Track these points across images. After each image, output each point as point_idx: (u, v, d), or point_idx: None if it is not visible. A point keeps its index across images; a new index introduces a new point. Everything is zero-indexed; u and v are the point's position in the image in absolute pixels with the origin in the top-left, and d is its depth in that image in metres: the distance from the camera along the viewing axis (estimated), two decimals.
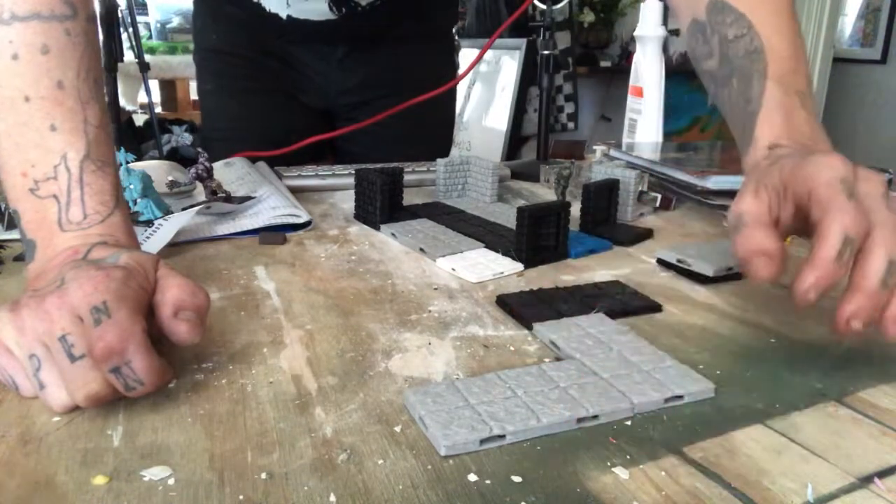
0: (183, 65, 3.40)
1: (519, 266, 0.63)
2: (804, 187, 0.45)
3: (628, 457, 0.36)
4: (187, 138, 3.24)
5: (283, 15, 1.02)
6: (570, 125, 3.58)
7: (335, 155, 1.18)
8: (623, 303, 0.54)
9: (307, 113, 1.14)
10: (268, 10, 1.02)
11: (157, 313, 0.42)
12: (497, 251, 0.66)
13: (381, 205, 0.74)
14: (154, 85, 3.57)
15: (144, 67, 2.88)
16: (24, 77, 0.47)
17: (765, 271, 0.44)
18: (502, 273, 0.61)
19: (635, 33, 1.11)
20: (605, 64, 3.90)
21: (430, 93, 1.03)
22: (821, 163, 0.46)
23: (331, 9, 1.01)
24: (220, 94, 1.15)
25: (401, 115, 1.10)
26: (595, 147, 1.09)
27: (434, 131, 1.23)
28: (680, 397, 0.41)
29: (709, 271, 0.60)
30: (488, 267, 0.62)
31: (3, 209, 0.69)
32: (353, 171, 0.80)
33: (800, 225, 0.47)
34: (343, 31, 1.05)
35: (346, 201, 0.85)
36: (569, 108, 3.59)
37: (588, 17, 3.85)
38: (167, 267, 0.44)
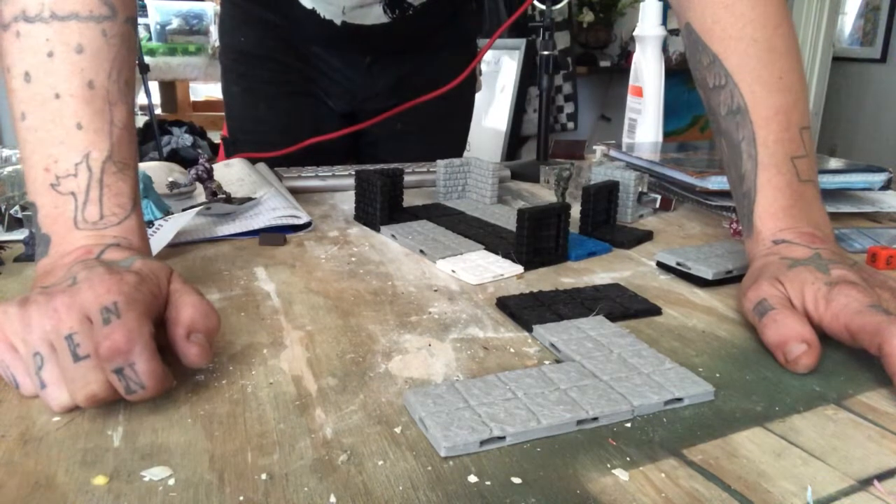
0: (182, 66, 3.39)
1: (519, 268, 0.63)
2: (836, 323, 0.46)
3: (628, 459, 0.36)
4: (187, 139, 3.24)
5: (338, 22, 1.02)
6: (570, 125, 3.59)
7: (358, 160, 1.18)
8: (623, 305, 0.54)
9: (334, 117, 1.15)
10: (322, 16, 1.02)
11: (170, 331, 0.42)
12: (497, 253, 0.66)
13: (381, 206, 0.74)
14: (154, 86, 3.57)
15: (144, 69, 2.88)
16: (57, 75, 0.47)
17: (807, 359, 0.45)
18: (502, 275, 0.61)
19: (635, 33, 1.11)
20: (604, 64, 3.90)
21: (432, 93, 1.04)
22: (841, 294, 0.46)
23: (385, 11, 1.01)
24: (249, 96, 1.15)
25: (424, 120, 1.10)
26: (595, 147, 1.09)
27: (455, 137, 1.24)
28: (679, 400, 0.41)
29: (708, 274, 0.60)
30: (488, 269, 0.62)
31: (2, 210, 0.69)
32: (354, 173, 0.80)
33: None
34: (390, 35, 1.06)
35: (347, 202, 0.85)
36: (568, 108, 3.59)
37: (587, 17, 3.84)
38: (180, 280, 0.44)
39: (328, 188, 0.92)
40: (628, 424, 0.39)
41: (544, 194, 0.94)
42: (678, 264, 0.62)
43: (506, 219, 0.76)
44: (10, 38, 0.48)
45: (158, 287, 0.42)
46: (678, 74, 3.13)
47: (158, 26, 3.48)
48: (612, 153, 1.01)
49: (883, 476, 0.35)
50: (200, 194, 0.81)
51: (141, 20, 3.41)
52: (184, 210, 0.70)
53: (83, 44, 0.48)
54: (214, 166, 0.93)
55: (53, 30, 0.47)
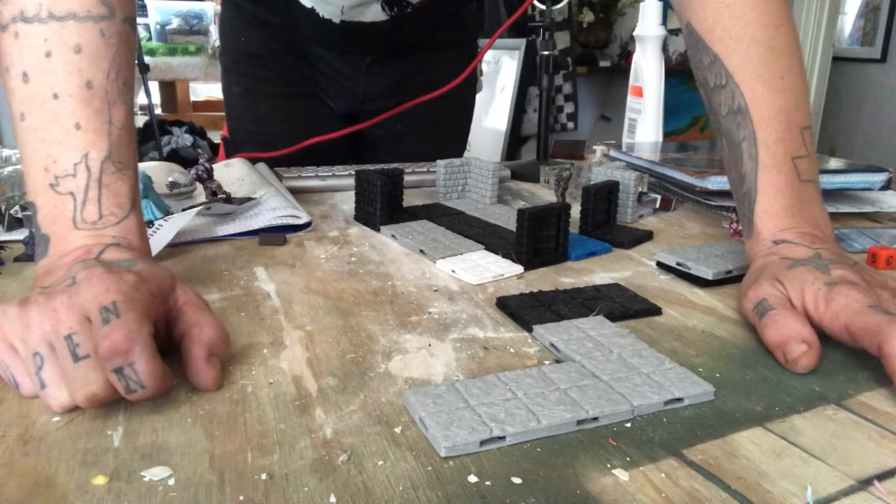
0: (182, 66, 3.39)
1: (519, 268, 0.63)
2: (836, 323, 0.46)
3: (628, 459, 0.36)
4: (187, 139, 3.23)
5: (337, 20, 1.02)
6: (570, 125, 3.59)
7: (358, 160, 1.18)
8: (623, 305, 0.54)
9: (334, 117, 1.15)
10: (321, 15, 1.02)
11: (188, 349, 0.42)
12: (497, 253, 0.66)
13: (381, 206, 0.74)
14: (154, 86, 3.57)
15: (144, 69, 2.88)
16: (55, 75, 0.47)
17: (806, 359, 0.45)
18: (502, 275, 0.61)
19: (635, 33, 1.11)
20: (604, 64, 3.90)
21: (433, 93, 1.04)
22: (841, 295, 0.46)
23: (384, 9, 1.01)
24: (249, 96, 1.15)
25: (425, 121, 1.10)
26: (595, 147, 1.09)
27: (455, 137, 1.24)
28: (679, 400, 0.41)
29: (708, 274, 0.60)
30: (488, 269, 0.62)
31: (2, 210, 0.69)
32: (354, 173, 0.80)
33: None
34: (389, 34, 1.06)
35: (347, 202, 0.85)
36: (568, 108, 3.59)
37: (587, 16, 3.84)
38: (192, 292, 0.44)
39: (328, 188, 0.92)
40: (628, 424, 0.39)
41: (544, 194, 0.94)
42: (678, 264, 0.62)
43: (506, 219, 0.76)
44: (8, 38, 0.48)
45: (158, 288, 0.42)
46: (678, 74, 3.13)
47: (158, 26, 3.48)
48: (612, 153, 1.01)
49: (883, 476, 0.35)
50: (200, 194, 0.81)
51: (141, 20, 3.41)
52: (184, 210, 0.70)
53: (81, 44, 0.48)
54: (214, 166, 0.93)
55: (51, 30, 0.47)
